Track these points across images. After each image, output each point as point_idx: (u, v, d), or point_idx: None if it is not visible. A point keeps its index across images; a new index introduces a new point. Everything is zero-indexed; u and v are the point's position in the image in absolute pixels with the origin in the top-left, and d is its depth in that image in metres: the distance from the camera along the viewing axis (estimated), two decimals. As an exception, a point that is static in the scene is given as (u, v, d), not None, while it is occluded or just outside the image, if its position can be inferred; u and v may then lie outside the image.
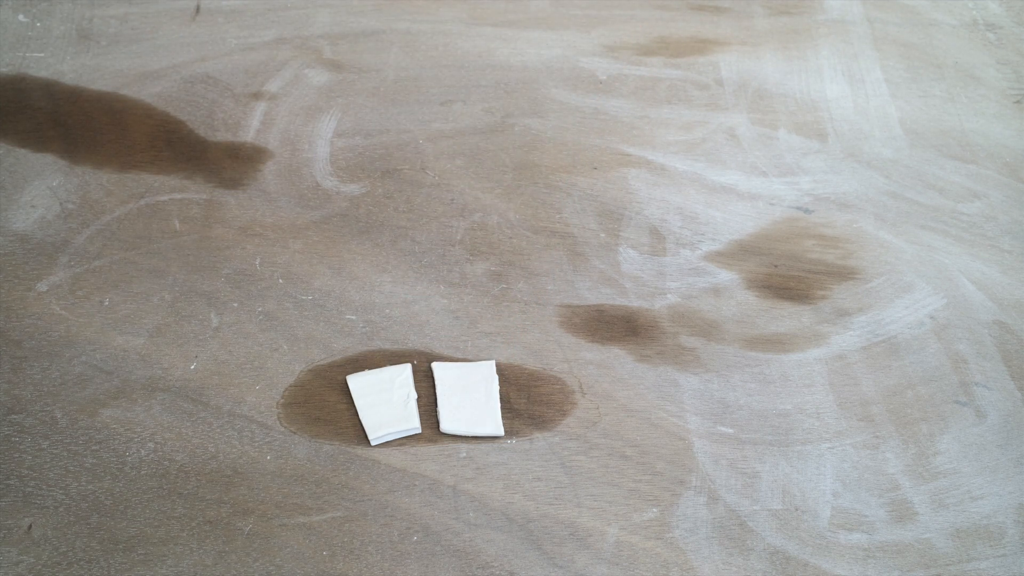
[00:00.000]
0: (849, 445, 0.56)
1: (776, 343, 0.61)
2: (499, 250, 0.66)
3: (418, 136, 0.72)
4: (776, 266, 0.66)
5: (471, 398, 0.56)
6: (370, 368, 0.58)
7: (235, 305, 0.61)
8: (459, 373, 0.57)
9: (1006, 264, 0.67)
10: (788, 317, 0.63)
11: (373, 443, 0.55)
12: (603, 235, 0.67)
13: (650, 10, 0.85)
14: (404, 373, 0.57)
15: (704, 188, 0.70)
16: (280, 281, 0.62)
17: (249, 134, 0.71)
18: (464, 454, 0.55)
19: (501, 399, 0.57)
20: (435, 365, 0.58)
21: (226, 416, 0.55)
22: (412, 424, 0.55)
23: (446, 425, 0.55)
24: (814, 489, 0.54)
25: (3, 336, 0.58)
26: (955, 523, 0.53)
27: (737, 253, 0.66)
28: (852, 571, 0.51)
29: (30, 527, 0.50)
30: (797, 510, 0.53)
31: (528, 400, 0.57)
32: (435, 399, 0.56)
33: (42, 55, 0.76)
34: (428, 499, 0.53)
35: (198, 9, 0.81)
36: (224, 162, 0.69)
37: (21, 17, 0.80)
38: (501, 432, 0.55)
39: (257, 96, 0.74)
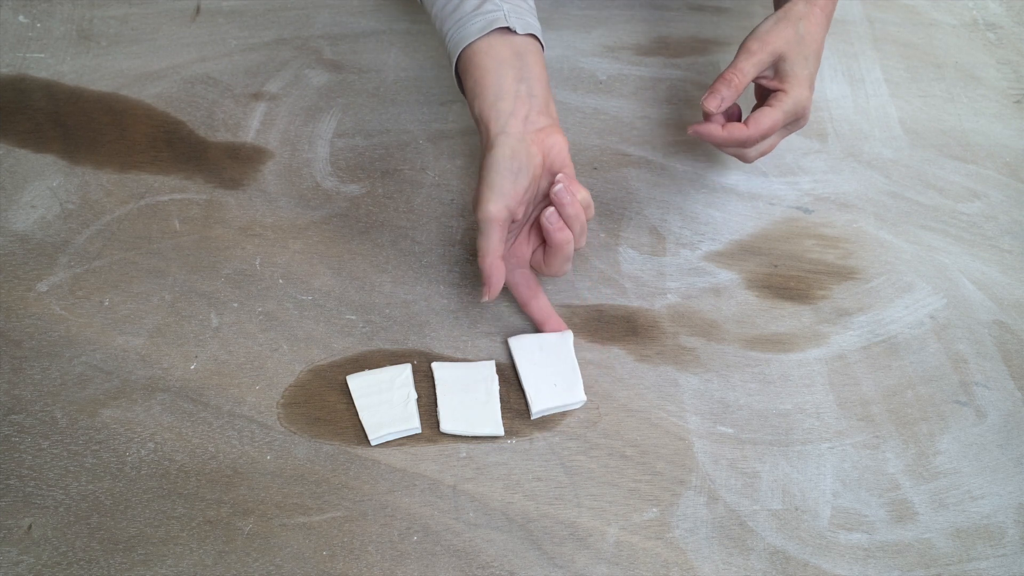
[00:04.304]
0: (849, 445, 0.56)
1: (776, 343, 0.61)
2: (499, 250, 0.65)
3: (418, 136, 0.72)
4: (776, 266, 0.66)
5: (471, 398, 0.56)
6: (370, 368, 0.58)
7: (235, 305, 0.61)
8: (459, 373, 0.57)
9: (1006, 264, 0.67)
10: (788, 317, 0.63)
11: (373, 443, 0.55)
12: (603, 235, 0.67)
13: (650, 10, 0.85)
14: (404, 373, 0.57)
15: (704, 188, 0.70)
16: (280, 281, 0.62)
17: (249, 134, 0.71)
18: (464, 454, 0.55)
19: (501, 399, 0.57)
20: (435, 365, 0.57)
21: (226, 416, 0.55)
22: (412, 424, 0.55)
23: (446, 425, 0.55)
24: (814, 489, 0.54)
25: (3, 336, 0.58)
26: (955, 523, 0.53)
27: (737, 253, 0.66)
28: (852, 571, 0.51)
29: (30, 527, 0.50)
30: (797, 510, 0.53)
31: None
32: (435, 399, 0.56)
33: (42, 56, 0.76)
34: (428, 499, 0.53)
35: (198, 9, 0.81)
36: (224, 162, 0.69)
37: (21, 18, 0.80)
38: (501, 432, 0.55)
39: (257, 96, 0.74)
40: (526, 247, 0.58)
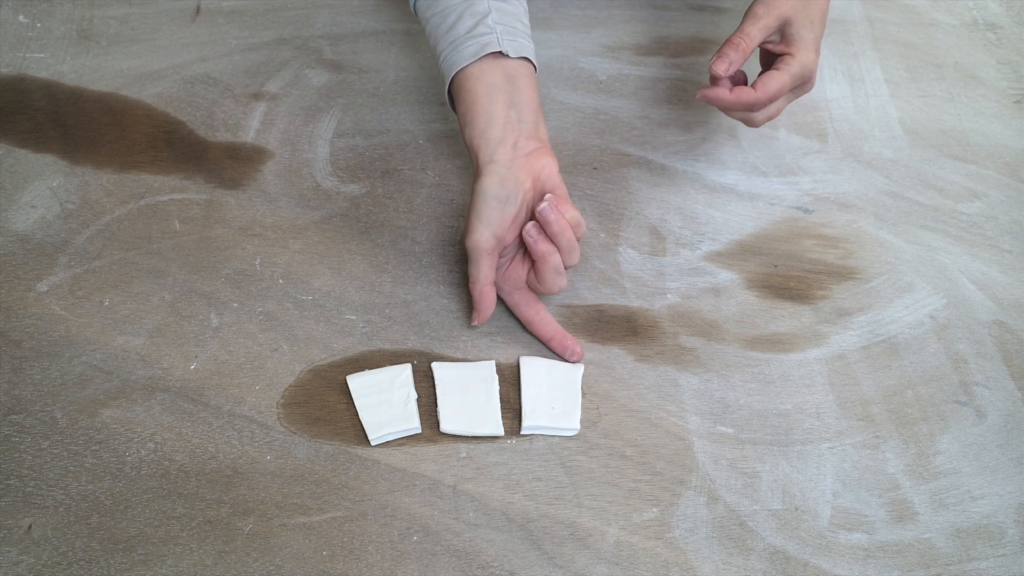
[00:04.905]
0: (849, 445, 0.56)
1: (776, 343, 0.61)
2: (499, 250, 0.66)
3: (418, 136, 0.72)
4: (776, 266, 0.66)
5: (471, 398, 0.56)
6: (370, 368, 0.58)
7: (235, 305, 0.61)
8: (459, 373, 0.57)
9: (1006, 264, 0.67)
10: (788, 317, 0.63)
11: (373, 443, 0.55)
12: (603, 235, 0.67)
13: (650, 10, 0.85)
14: (404, 373, 0.57)
15: (704, 188, 0.70)
16: (280, 281, 0.62)
17: (249, 134, 0.71)
18: (464, 454, 0.55)
19: (501, 399, 0.57)
20: (435, 365, 0.57)
21: (226, 416, 0.56)
22: (412, 424, 0.55)
23: (446, 425, 0.55)
24: (814, 489, 0.54)
25: (3, 336, 0.58)
26: (955, 523, 0.53)
27: (737, 253, 0.66)
28: (852, 571, 0.51)
29: (30, 527, 0.50)
30: (797, 510, 0.53)
31: (528, 400, 0.57)
32: (435, 399, 0.56)
33: (42, 55, 0.76)
34: (428, 499, 0.53)
35: (198, 9, 0.82)
36: (224, 162, 0.69)
37: (21, 18, 0.80)
38: (501, 432, 0.55)
39: (257, 96, 0.74)
40: (521, 269, 0.59)
